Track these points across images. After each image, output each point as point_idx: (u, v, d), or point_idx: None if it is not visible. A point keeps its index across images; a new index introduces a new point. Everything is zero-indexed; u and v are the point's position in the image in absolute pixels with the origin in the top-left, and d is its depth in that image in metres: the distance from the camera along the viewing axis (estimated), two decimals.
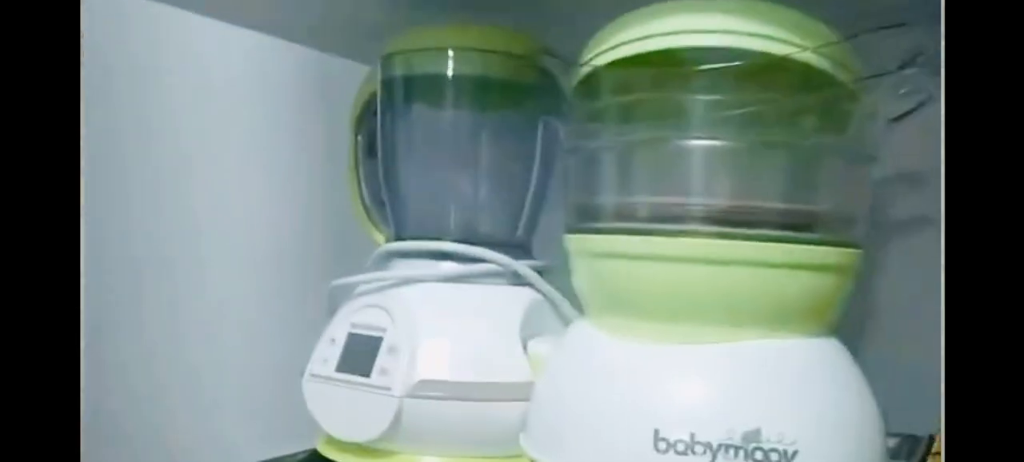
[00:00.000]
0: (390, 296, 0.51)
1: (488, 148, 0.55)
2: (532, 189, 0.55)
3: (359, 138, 0.63)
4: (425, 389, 0.47)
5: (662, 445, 0.38)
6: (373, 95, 0.59)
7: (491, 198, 0.56)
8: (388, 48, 0.56)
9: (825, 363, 0.41)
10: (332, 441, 0.51)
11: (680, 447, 0.38)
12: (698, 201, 0.41)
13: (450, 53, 0.54)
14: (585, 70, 0.44)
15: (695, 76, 0.41)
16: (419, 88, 0.56)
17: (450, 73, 0.55)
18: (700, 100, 0.42)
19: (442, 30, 0.54)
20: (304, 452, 0.55)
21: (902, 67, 0.39)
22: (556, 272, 0.54)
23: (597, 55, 0.43)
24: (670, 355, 0.41)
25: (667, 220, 0.42)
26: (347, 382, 0.49)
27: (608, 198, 0.45)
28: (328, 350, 0.51)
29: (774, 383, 0.40)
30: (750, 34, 0.39)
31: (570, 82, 0.47)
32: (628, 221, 0.43)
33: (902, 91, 0.39)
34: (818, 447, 0.38)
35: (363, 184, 0.63)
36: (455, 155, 0.56)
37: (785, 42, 0.39)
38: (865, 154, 0.40)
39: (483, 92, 0.55)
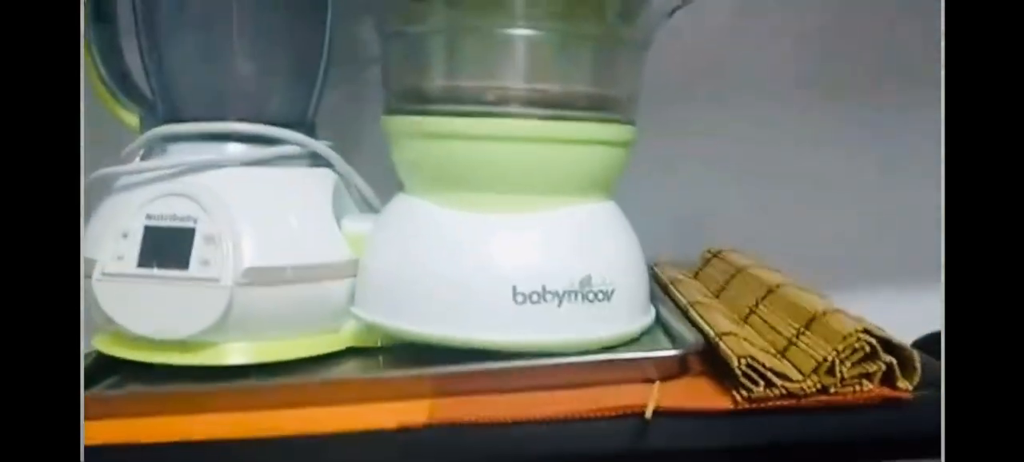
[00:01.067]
0: (190, 184, 0.48)
1: (274, 17, 0.52)
2: (322, 63, 0.54)
3: None
4: (253, 276, 0.46)
5: (520, 298, 0.44)
6: None
7: (280, 72, 0.54)
8: None
9: (617, 219, 0.51)
10: (122, 339, 0.47)
11: (534, 298, 0.44)
12: (521, 85, 0.47)
13: None
14: None
15: None
16: None
17: None
18: None
19: None
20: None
21: None
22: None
23: None
24: (514, 222, 0.47)
25: (493, 102, 0.47)
26: (157, 277, 0.45)
27: (436, 81, 0.48)
28: (121, 246, 0.46)
29: (592, 239, 0.48)
30: None
31: None
32: (456, 103, 0.47)
33: None
34: (625, 284, 0.48)
35: (98, 55, 0.55)
36: (237, 22, 0.51)
37: None
38: (648, 42, 0.50)
39: None
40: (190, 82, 0.52)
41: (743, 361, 0.39)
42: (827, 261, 0.59)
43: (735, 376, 0.39)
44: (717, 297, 0.58)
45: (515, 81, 0.47)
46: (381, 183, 0.55)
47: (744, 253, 0.63)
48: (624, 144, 0.50)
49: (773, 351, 0.44)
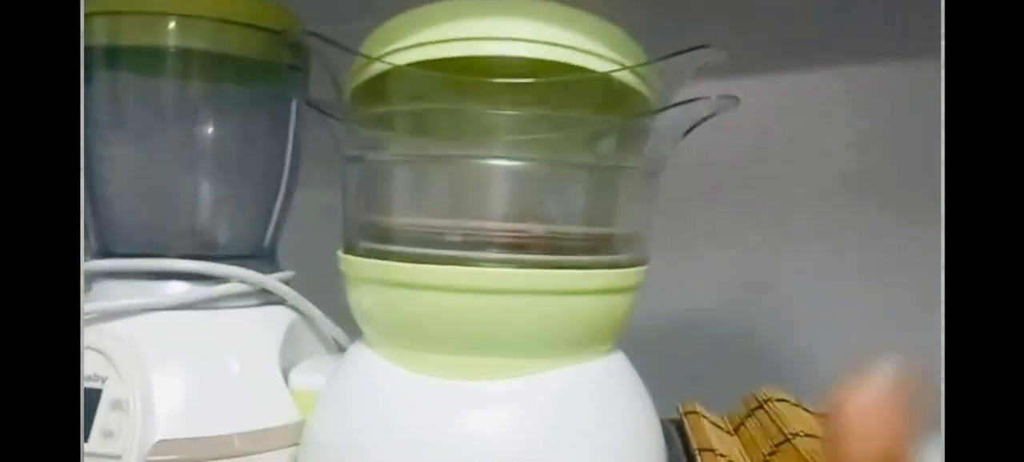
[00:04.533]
0: (104, 333, 0.40)
1: (226, 137, 0.45)
2: (283, 188, 0.47)
3: None
4: (166, 451, 0.38)
5: None
6: None
7: (231, 200, 0.46)
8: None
9: (623, 380, 0.41)
10: None
11: None
12: (500, 227, 0.38)
13: (172, 23, 0.43)
14: (370, 69, 0.38)
15: (501, 89, 0.37)
16: (129, 62, 0.44)
17: (172, 45, 0.44)
18: (504, 115, 0.38)
19: None
20: None
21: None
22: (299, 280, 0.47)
23: (389, 53, 0.37)
24: (473, 392, 0.37)
25: (466, 247, 0.38)
26: None
27: (398, 219, 0.40)
28: None
29: (591, 412, 0.38)
30: (565, 46, 0.37)
31: (345, 75, 0.40)
32: (421, 246, 0.39)
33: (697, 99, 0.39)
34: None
35: None
36: (182, 146, 0.45)
37: (601, 57, 0.37)
38: (658, 169, 0.40)
39: (217, 69, 0.45)
40: (127, 211, 0.45)
41: None
42: None
43: None
44: None
45: (493, 220, 0.38)
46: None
47: (794, 403, 0.53)
48: (630, 289, 0.40)
49: None
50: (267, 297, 0.45)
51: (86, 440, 0.37)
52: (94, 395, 0.38)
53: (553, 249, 0.38)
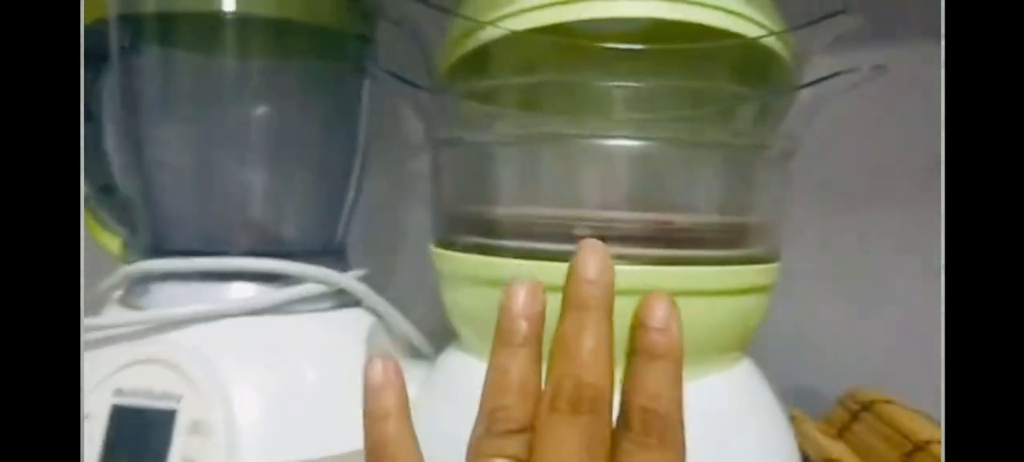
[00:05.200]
0: (169, 343, 0.36)
1: (291, 117, 0.40)
2: (355, 175, 0.42)
3: None
4: None
5: None
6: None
7: (298, 190, 0.41)
8: None
9: (761, 389, 0.36)
10: None
11: None
12: (623, 217, 0.33)
13: None
14: (476, 36, 0.33)
15: (624, 56, 0.32)
16: (183, 32, 0.39)
17: (230, 12, 0.38)
18: (627, 88, 0.33)
19: None
20: None
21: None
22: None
23: (501, 18, 0.32)
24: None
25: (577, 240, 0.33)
26: None
27: (504, 208, 0.35)
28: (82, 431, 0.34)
29: (734, 426, 0.34)
30: (701, 4, 0.32)
31: (437, 45, 0.35)
32: (532, 240, 0.34)
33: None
34: None
35: None
36: (242, 128, 0.40)
37: (743, 18, 0.32)
38: (794, 151, 0.35)
39: (280, 39, 0.40)
40: (183, 204, 0.40)
41: None
42: None
43: None
44: None
45: (616, 210, 0.33)
46: (431, 318, 0.42)
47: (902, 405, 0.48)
48: (766, 289, 0.36)
49: None
50: (342, 299, 0.40)
51: None
52: (166, 417, 0.33)
53: (684, 242, 0.34)
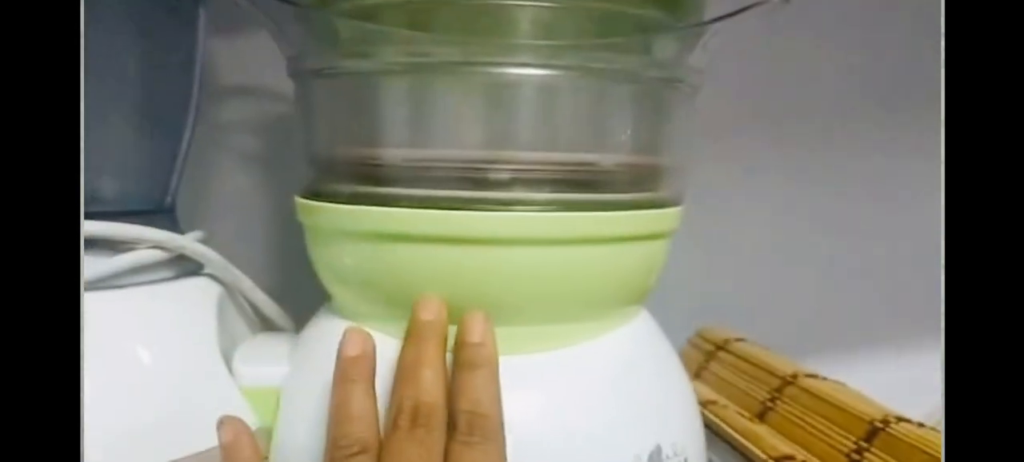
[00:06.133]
0: None
1: (111, 49, 0.32)
2: (190, 119, 0.35)
3: None
4: None
5: None
6: None
7: (121, 139, 0.33)
8: None
9: (661, 340, 0.35)
10: None
11: None
12: (526, 157, 0.30)
13: None
14: None
15: None
16: None
17: None
18: (531, 7, 0.29)
19: None
20: None
21: None
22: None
23: None
24: (528, 367, 0.29)
25: (480, 184, 0.29)
26: None
27: (388, 150, 0.30)
28: None
29: (648, 380, 0.32)
30: None
31: None
32: (418, 185, 0.29)
33: None
34: (695, 446, 0.32)
35: None
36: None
37: None
38: (699, 86, 0.34)
39: None
40: None
41: None
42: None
43: None
44: (761, 418, 0.44)
45: (521, 149, 0.30)
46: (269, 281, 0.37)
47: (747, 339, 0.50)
48: (669, 235, 0.34)
49: None
50: (182, 266, 0.33)
51: None
52: None
53: (593, 185, 0.31)
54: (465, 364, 0.27)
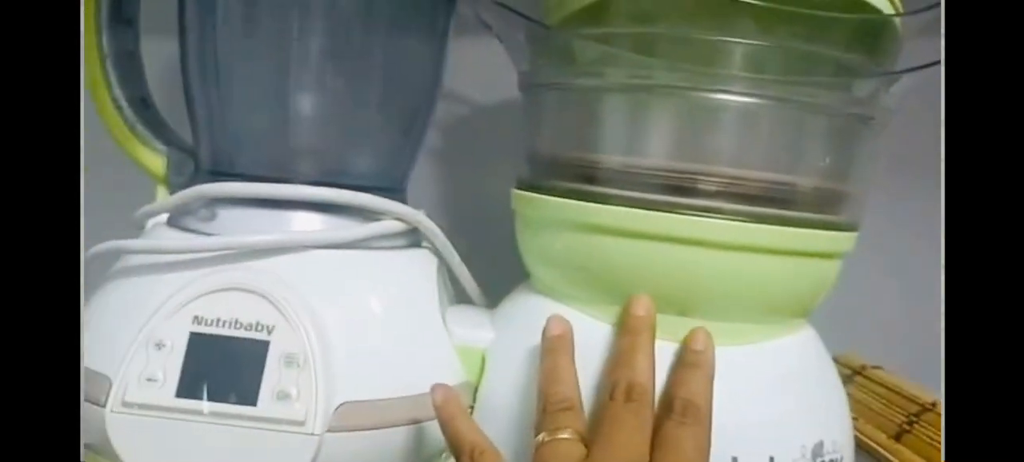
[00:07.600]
0: (256, 272, 0.33)
1: (376, 46, 0.38)
2: (430, 111, 0.40)
3: None
4: (350, 417, 0.32)
5: None
6: None
7: (375, 123, 0.39)
8: None
9: (824, 353, 0.38)
10: None
11: None
12: (731, 173, 0.34)
13: None
14: None
15: (744, 10, 0.33)
16: None
17: None
18: (744, 44, 0.34)
19: None
20: None
21: None
22: None
23: None
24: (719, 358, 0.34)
25: (688, 192, 0.34)
26: (207, 414, 0.31)
27: (606, 156, 0.35)
28: (152, 362, 0.31)
29: (815, 385, 0.36)
30: None
31: None
32: (631, 188, 0.34)
33: None
34: (849, 446, 0.36)
35: (112, 70, 0.39)
36: (316, 47, 0.37)
37: None
38: (887, 123, 0.37)
39: None
40: (254, 125, 0.37)
41: None
42: None
43: None
44: (897, 440, 0.46)
45: (724, 165, 0.34)
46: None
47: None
48: (843, 256, 0.37)
49: None
50: (409, 238, 0.39)
51: (254, 404, 0.31)
52: (260, 349, 0.31)
53: (782, 202, 0.35)
54: (687, 363, 0.32)
